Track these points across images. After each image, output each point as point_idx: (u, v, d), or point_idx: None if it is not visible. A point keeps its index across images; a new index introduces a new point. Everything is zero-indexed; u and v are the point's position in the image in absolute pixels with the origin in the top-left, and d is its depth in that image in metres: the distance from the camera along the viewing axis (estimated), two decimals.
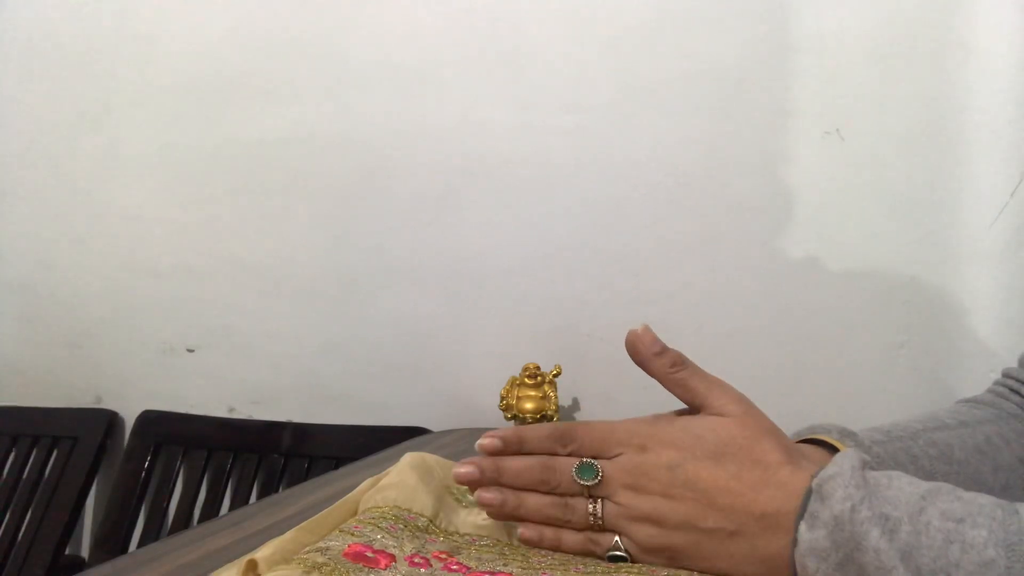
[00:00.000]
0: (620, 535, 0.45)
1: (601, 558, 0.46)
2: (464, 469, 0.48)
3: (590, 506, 0.46)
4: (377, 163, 1.10)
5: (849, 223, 0.92)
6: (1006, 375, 0.67)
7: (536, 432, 0.48)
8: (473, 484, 0.48)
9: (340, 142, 1.12)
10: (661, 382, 0.47)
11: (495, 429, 0.50)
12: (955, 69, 0.86)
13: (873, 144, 0.90)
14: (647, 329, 0.47)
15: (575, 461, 0.46)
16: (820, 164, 0.92)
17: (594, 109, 1.00)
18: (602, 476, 0.45)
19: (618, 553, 0.45)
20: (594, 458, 0.46)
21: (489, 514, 0.49)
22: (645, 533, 0.44)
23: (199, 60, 1.18)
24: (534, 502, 0.47)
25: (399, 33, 1.08)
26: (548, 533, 0.47)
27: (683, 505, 0.43)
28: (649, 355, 0.47)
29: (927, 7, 0.87)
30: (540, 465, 0.47)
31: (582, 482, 0.46)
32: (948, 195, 0.88)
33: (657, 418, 0.48)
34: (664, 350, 0.47)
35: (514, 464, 0.47)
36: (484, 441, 0.48)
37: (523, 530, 0.47)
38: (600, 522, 0.46)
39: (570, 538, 0.47)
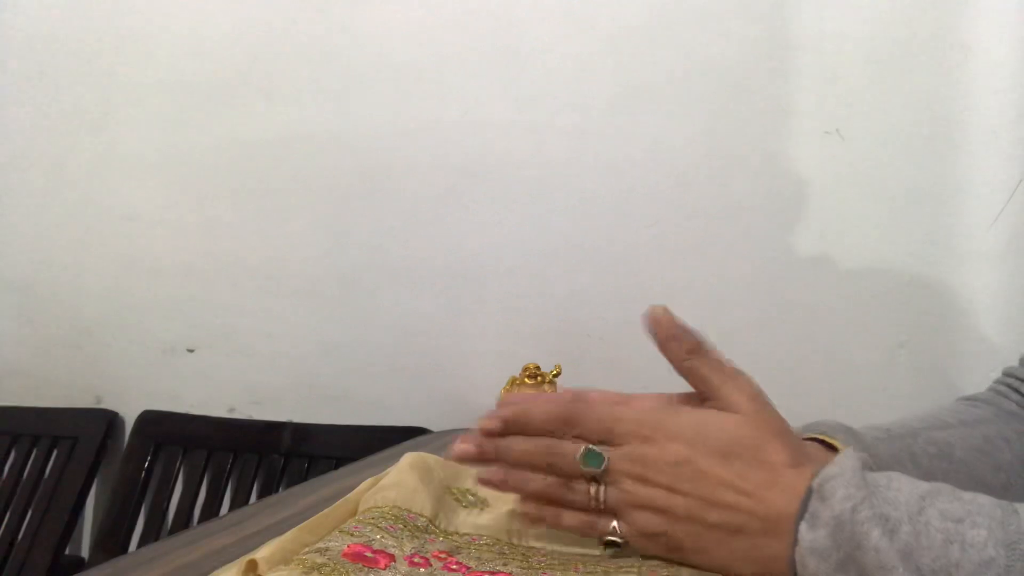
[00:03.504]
0: (620, 520, 0.45)
1: (598, 541, 0.46)
2: (462, 445, 0.47)
3: (592, 489, 0.45)
4: (377, 163, 1.10)
5: (849, 223, 0.92)
6: (1007, 374, 0.67)
7: (539, 413, 0.47)
8: (469, 461, 0.48)
9: (340, 142, 1.11)
10: (676, 368, 0.46)
11: (505, 396, 0.49)
12: (955, 69, 0.86)
13: (873, 144, 0.90)
14: (666, 311, 0.46)
15: (580, 447, 0.45)
16: (820, 164, 0.92)
17: (594, 109, 1.00)
18: (607, 464, 0.45)
19: (614, 539, 0.45)
20: (599, 443, 0.45)
21: (487, 485, 0.48)
22: (645, 519, 0.44)
23: (199, 60, 1.18)
24: (537, 482, 0.46)
25: (399, 33, 1.08)
26: (548, 512, 0.47)
27: (688, 499, 0.43)
28: (664, 339, 0.46)
29: (927, 7, 0.87)
30: (544, 450, 0.46)
31: (587, 469, 0.45)
32: (948, 195, 0.88)
33: (666, 405, 0.47)
34: (679, 335, 0.46)
35: (517, 447, 0.47)
36: (485, 422, 0.47)
37: (523, 506, 0.47)
38: (602, 506, 0.45)
39: (570, 517, 0.46)
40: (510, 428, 0.47)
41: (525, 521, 0.47)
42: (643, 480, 0.44)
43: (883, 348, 0.91)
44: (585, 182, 1.01)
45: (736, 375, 0.46)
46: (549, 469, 0.46)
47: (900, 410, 0.84)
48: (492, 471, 0.47)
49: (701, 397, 0.47)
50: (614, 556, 0.46)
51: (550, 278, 1.04)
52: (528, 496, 0.47)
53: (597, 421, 0.46)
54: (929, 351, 0.90)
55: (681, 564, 0.45)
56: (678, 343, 0.46)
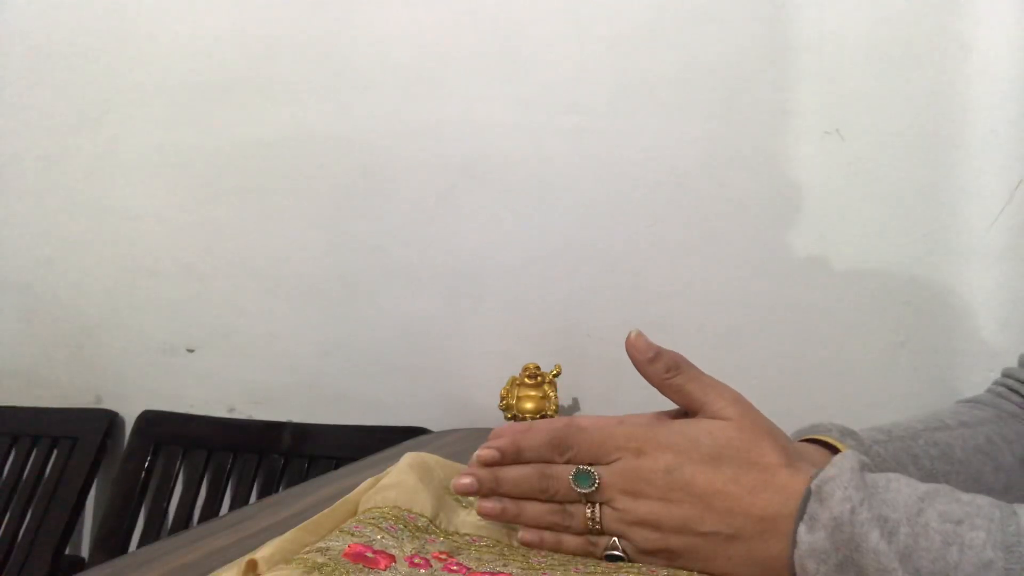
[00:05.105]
0: (619, 538, 0.46)
1: (600, 559, 0.46)
2: (462, 480, 0.48)
3: (588, 511, 0.46)
4: (377, 163, 1.10)
5: (849, 223, 0.92)
6: (1006, 375, 0.67)
7: (532, 441, 0.48)
8: (472, 495, 0.49)
9: (340, 142, 1.12)
10: (657, 388, 0.47)
11: (496, 428, 0.50)
12: (955, 69, 0.86)
13: (873, 144, 0.90)
14: (639, 335, 0.47)
15: (572, 469, 0.46)
16: (820, 164, 0.92)
17: (594, 109, 1.00)
18: (599, 483, 0.45)
19: (616, 553, 0.45)
20: (591, 463, 0.46)
21: (486, 517, 0.49)
22: (643, 536, 0.44)
23: (199, 60, 1.18)
24: (533, 510, 0.47)
25: (399, 33, 1.08)
26: (548, 537, 0.47)
27: (680, 509, 0.43)
28: (642, 362, 0.47)
29: (927, 7, 0.87)
30: (537, 474, 0.47)
31: (579, 490, 0.46)
32: (948, 195, 0.88)
33: (655, 419, 0.47)
34: (657, 356, 0.46)
35: (512, 474, 0.48)
36: (481, 453, 0.48)
37: (523, 534, 0.48)
38: (599, 527, 0.46)
39: (570, 542, 0.47)
40: (505, 459, 0.48)
41: (528, 547, 0.48)
42: (636, 494, 0.44)
43: (883, 348, 0.91)
44: (585, 182, 1.01)
45: (716, 384, 0.47)
46: (544, 495, 0.47)
47: (900, 410, 0.84)
48: (489, 503, 0.48)
49: (688, 412, 0.47)
50: (616, 562, 0.46)
51: (550, 278, 1.04)
52: (527, 524, 0.47)
53: (588, 440, 0.46)
54: (929, 351, 0.90)
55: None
56: (657, 364, 0.46)
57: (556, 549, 0.47)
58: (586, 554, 0.47)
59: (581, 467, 0.46)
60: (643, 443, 0.45)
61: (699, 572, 0.44)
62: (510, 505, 0.48)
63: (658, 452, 0.44)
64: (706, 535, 0.43)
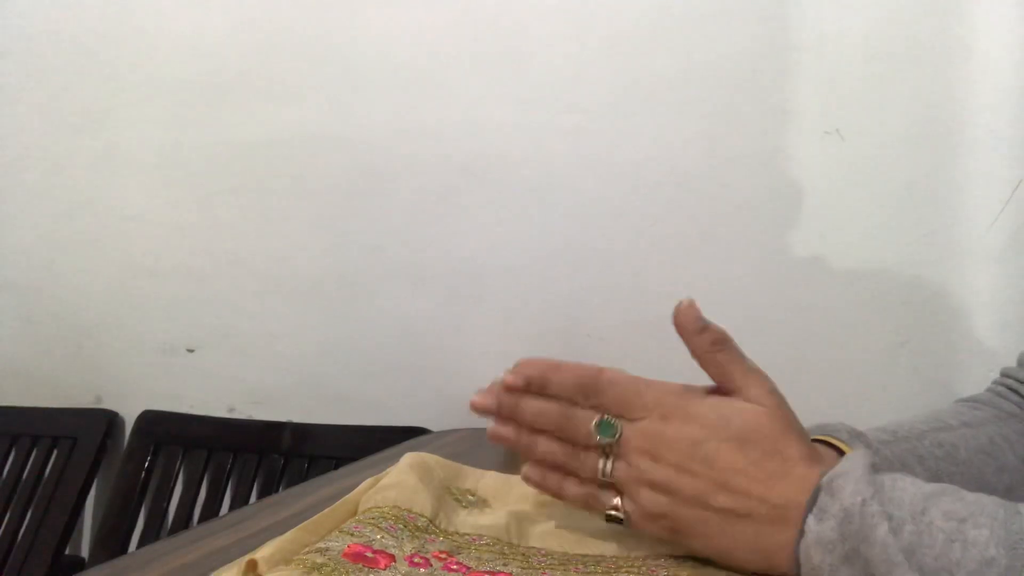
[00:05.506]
0: (624, 496, 0.45)
1: (599, 514, 0.46)
2: (482, 399, 0.47)
3: (601, 462, 0.45)
4: (378, 163, 1.10)
5: (849, 223, 0.92)
6: (1005, 374, 0.67)
7: (561, 378, 0.47)
8: (487, 414, 0.48)
9: (340, 142, 1.11)
10: (699, 360, 0.47)
11: (524, 359, 0.49)
12: (955, 69, 0.86)
13: (873, 144, 0.90)
14: (692, 304, 0.46)
15: (596, 416, 0.45)
16: (820, 164, 0.92)
17: (594, 109, 1.00)
18: (620, 436, 0.45)
19: (614, 513, 0.45)
20: (616, 416, 0.45)
21: (496, 441, 0.48)
22: (651, 499, 0.44)
23: (199, 60, 1.18)
24: (546, 446, 0.47)
25: (399, 33, 1.08)
26: (551, 480, 0.47)
27: (697, 481, 0.43)
28: (691, 331, 0.46)
29: (927, 7, 0.87)
30: (560, 413, 0.46)
31: (599, 438, 0.45)
32: (948, 195, 0.88)
33: (685, 390, 0.47)
34: (705, 328, 0.46)
35: (534, 405, 0.47)
36: (507, 378, 0.47)
37: (527, 470, 0.47)
38: (608, 479, 0.45)
39: (571, 489, 0.46)
40: (531, 388, 0.47)
41: (528, 484, 0.47)
42: (654, 457, 0.44)
43: (883, 348, 0.91)
44: (585, 182, 1.01)
45: (757, 371, 0.46)
46: (561, 434, 0.46)
47: (900, 410, 0.84)
48: (504, 428, 0.47)
49: (722, 390, 0.47)
50: (617, 568, 0.46)
51: (550, 278, 1.04)
52: (535, 460, 0.47)
53: (618, 393, 0.46)
54: (929, 351, 0.90)
55: (683, 558, 0.45)
56: (704, 336, 0.46)
57: (557, 494, 0.47)
58: (585, 506, 0.46)
59: (606, 416, 0.45)
60: (671, 409, 0.45)
61: (699, 552, 0.44)
62: (523, 434, 0.47)
63: (685, 422, 0.44)
64: (718, 510, 0.42)
